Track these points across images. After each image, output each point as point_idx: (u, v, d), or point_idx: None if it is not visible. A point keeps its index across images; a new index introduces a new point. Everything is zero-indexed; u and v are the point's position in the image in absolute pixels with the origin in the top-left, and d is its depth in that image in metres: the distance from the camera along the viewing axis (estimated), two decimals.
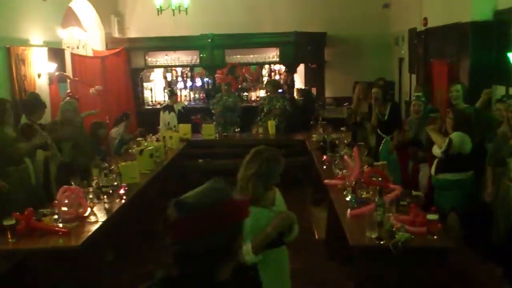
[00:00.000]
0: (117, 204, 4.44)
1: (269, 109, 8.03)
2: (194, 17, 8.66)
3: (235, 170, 2.72)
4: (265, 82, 9.51)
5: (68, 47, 8.26)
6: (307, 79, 10.65)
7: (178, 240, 1.35)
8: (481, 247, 4.61)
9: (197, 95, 10.28)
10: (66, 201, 4.02)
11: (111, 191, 4.59)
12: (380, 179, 4.27)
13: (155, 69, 10.41)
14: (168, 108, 8.48)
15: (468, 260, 4.43)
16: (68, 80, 7.77)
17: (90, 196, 4.43)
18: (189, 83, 10.42)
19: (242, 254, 2.49)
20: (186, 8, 7.67)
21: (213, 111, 8.31)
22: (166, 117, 8.38)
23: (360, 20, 9.84)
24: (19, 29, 6.43)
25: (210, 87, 10.01)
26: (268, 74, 10.41)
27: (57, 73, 7.19)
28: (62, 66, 7.51)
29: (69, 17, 8.50)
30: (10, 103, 5.08)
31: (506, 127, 4.57)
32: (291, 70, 9.86)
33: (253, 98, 10.06)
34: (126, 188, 4.70)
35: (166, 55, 10.01)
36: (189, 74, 10.44)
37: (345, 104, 9.53)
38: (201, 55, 9.73)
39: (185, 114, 8.49)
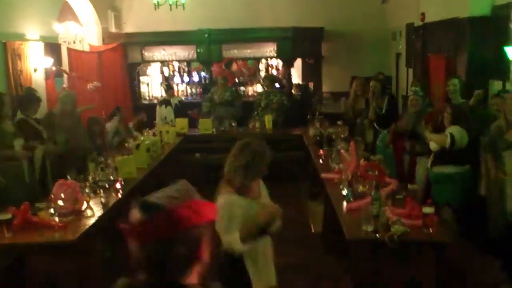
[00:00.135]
0: (114, 199, 4.44)
1: (266, 103, 8.02)
2: (191, 12, 8.62)
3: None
4: (263, 77, 9.49)
5: (65, 42, 8.23)
6: (305, 74, 10.64)
7: (140, 243, 1.29)
8: (479, 241, 4.63)
9: (194, 90, 10.27)
10: (62, 196, 4.01)
11: (107, 186, 4.59)
12: (376, 173, 4.29)
13: (152, 64, 10.39)
14: (165, 102, 8.46)
15: (465, 253, 4.45)
16: (65, 75, 7.75)
17: (87, 190, 4.42)
18: (186, 78, 10.41)
19: (230, 244, 2.53)
20: (183, 3, 7.64)
21: (204, 109, 8.29)
22: (162, 111, 8.36)
23: (358, 15, 9.81)
24: (15, 24, 6.39)
25: (207, 82, 10.00)
26: (265, 69, 10.40)
27: (54, 68, 7.17)
28: (58, 61, 7.48)
29: (65, 12, 8.46)
30: (7, 97, 5.07)
31: (502, 122, 4.58)
32: (288, 65, 9.85)
33: (250, 93, 10.05)
34: (122, 183, 4.70)
35: (163, 49, 9.98)
36: (186, 69, 10.44)
37: (342, 99, 9.52)
38: (198, 50, 9.71)
39: (182, 109, 8.47)
